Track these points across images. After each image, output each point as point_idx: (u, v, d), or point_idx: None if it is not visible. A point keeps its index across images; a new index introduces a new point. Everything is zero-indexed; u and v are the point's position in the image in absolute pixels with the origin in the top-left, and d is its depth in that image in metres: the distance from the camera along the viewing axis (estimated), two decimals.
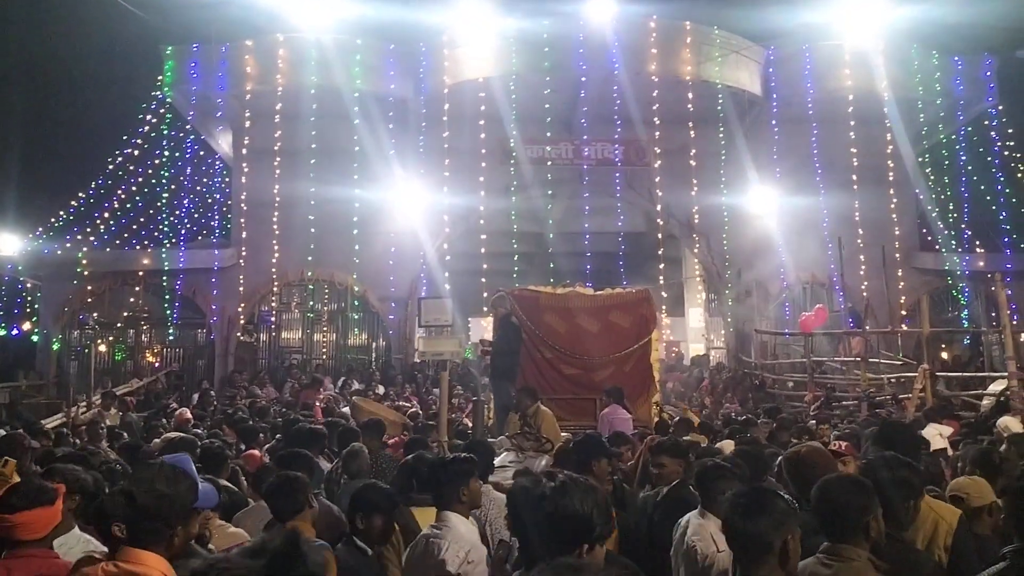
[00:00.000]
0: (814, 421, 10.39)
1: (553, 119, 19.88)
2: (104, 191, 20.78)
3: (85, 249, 19.72)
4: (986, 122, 21.97)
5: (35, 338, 20.63)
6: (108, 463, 6.06)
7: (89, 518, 3.33)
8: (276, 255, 19.90)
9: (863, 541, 2.89)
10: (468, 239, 20.30)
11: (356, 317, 21.40)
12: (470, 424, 10.30)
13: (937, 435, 7.29)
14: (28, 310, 21.78)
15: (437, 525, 4.06)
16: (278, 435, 9.06)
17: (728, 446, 7.65)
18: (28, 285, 21.53)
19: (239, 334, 20.41)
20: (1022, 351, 18.82)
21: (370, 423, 7.98)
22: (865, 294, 19.69)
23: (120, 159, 20.76)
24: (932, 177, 21.85)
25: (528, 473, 5.98)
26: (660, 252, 20.22)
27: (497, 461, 6.67)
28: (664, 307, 20.13)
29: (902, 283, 20.34)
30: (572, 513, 2.17)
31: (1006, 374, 10.43)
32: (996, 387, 10.89)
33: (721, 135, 20.49)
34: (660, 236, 20.41)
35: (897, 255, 20.42)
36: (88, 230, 20.36)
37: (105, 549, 3.00)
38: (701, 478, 4.17)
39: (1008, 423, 8.50)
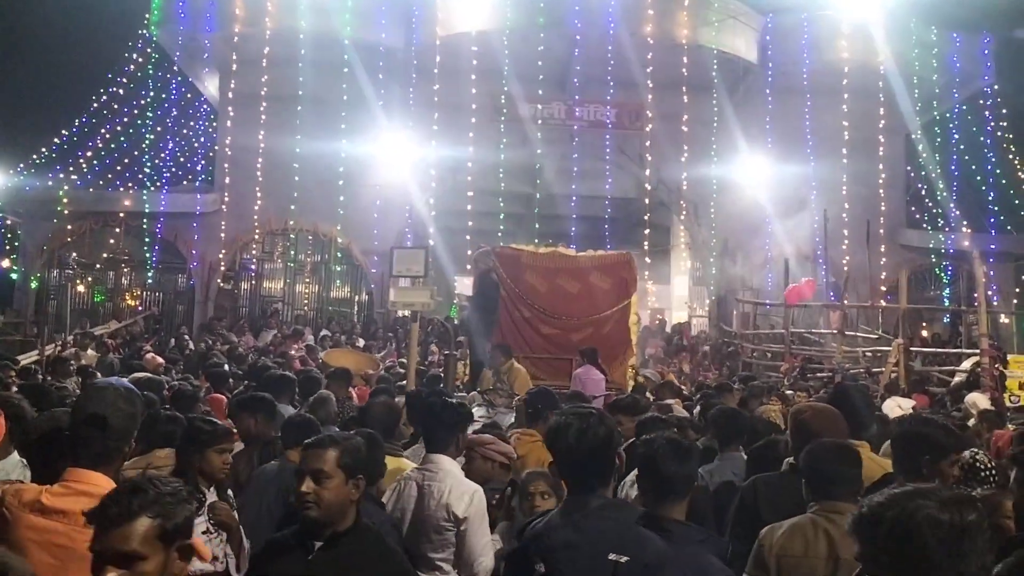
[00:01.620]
0: (791, 391, 10.49)
1: (546, 77, 19.61)
2: (87, 129, 20.52)
3: (66, 187, 19.48)
4: (981, 101, 21.87)
5: (14, 275, 20.47)
6: (70, 397, 6.04)
7: (27, 443, 3.34)
8: (259, 203, 19.69)
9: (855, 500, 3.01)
10: (455, 196, 20.13)
11: (339, 269, 21.31)
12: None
13: (896, 407, 7.36)
14: (8, 247, 21.55)
15: (428, 468, 3.87)
16: (245, 380, 9.05)
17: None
18: (8, 222, 21.29)
19: (220, 281, 20.28)
20: (1000, 330, 19.02)
21: (337, 372, 8.00)
22: (846, 268, 19.72)
23: (104, 97, 20.45)
24: (924, 154, 21.77)
25: (496, 427, 5.98)
26: (647, 218, 20.14)
27: None
28: (647, 274, 20.12)
29: (885, 259, 20.36)
30: (612, 431, 2.58)
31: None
32: (968, 364, 10.96)
33: (714, 102, 20.29)
34: (648, 202, 20.31)
35: (882, 231, 20.41)
36: (70, 168, 20.12)
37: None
38: (640, 430, 4.21)
39: (976, 399, 8.58)
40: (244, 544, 3.71)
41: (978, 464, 3.71)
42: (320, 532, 2.71)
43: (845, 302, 16.65)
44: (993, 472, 3.68)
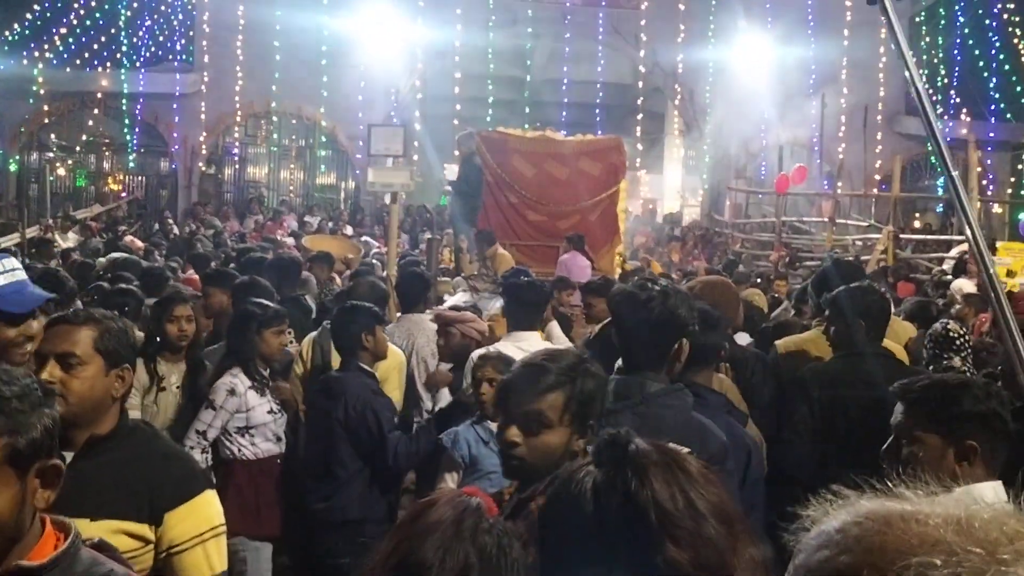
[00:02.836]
0: (775, 277, 10.56)
1: None
2: (60, 4, 19.60)
3: (41, 66, 18.79)
4: None
5: None
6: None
7: None
8: (240, 83, 19.07)
9: None
10: (443, 80, 19.50)
11: (324, 154, 20.87)
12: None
13: None
14: None
15: (525, 347, 3.87)
16: (231, 264, 8.99)
17: None
18: None
19: (202, 166, 19.88)
20: (993, 220, 18.93)
21: (319, 255, 7.95)
22: (841, 156, 19.40)
23: None
24: (927, 38, 21.04)
25: (477, 311, 5.92)
26: (640, 102, 19.64)
27: (451, 301, 6.65)
28: (639, 162, 19.83)
29: (881, 147, 20.01)
30: (673, 311, 2.40)
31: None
32: (956, 251, 10.91)
33: None
34: (641, 86, 19.76)
35: (879, 117, 19.98)
36: (45, 47, 19.35)
37: None
38: None
39: (961, 284, 8.53)
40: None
41: (951, 334, 3.70)
42: (72, 437, 2.03)
43: (839, 190, 16.46)
44: (967, 341, 3.68)
